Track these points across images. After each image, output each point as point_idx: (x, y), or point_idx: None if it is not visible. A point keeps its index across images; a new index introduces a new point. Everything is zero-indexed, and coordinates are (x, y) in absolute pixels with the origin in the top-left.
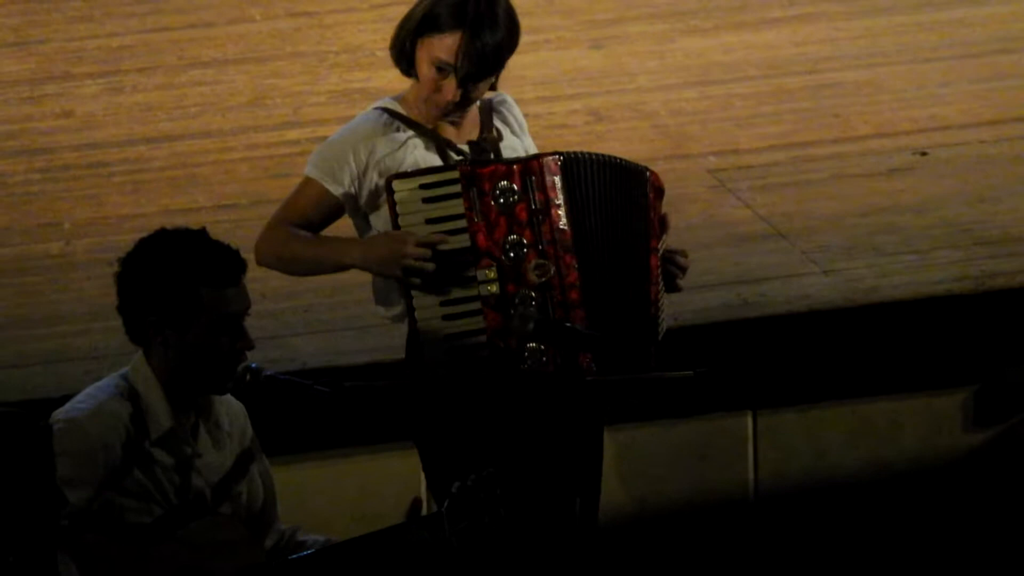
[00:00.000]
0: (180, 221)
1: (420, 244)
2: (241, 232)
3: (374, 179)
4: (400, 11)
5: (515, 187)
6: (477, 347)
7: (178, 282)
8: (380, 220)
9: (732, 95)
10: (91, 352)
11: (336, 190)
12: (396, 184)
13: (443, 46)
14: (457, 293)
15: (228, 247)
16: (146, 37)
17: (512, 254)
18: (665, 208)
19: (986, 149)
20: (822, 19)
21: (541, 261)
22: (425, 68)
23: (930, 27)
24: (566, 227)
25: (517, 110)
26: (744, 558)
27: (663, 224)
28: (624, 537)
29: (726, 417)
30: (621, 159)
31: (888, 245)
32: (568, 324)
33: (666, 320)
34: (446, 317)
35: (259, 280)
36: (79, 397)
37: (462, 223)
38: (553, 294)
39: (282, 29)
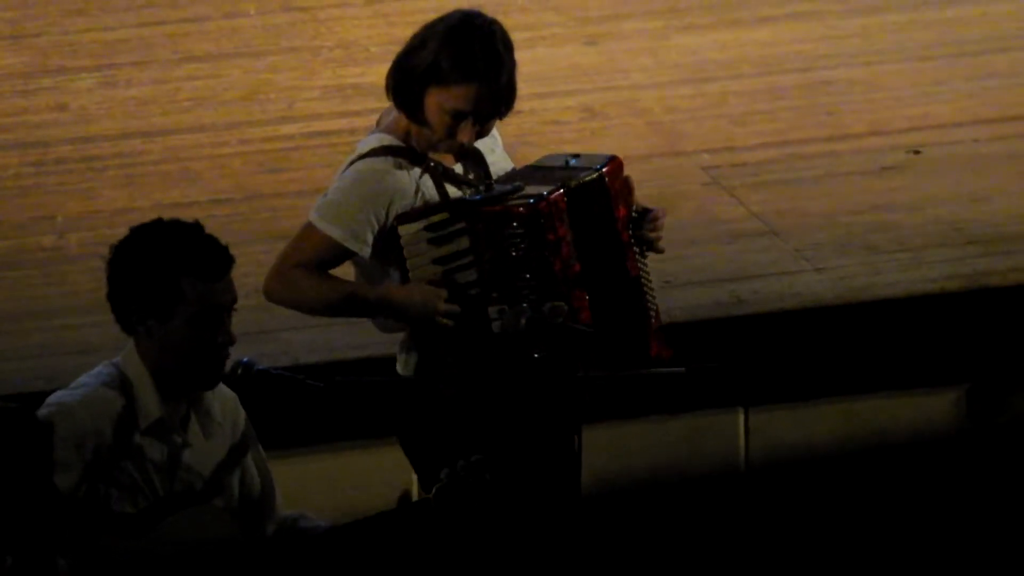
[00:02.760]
0: (173, 215)
1: (445, 289)
2: (234, 227)
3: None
4: (395, 6)
5: (522, 231)
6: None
7: (158, 271)
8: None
9: (726, 92)
10: (83, 346)
11: (361, 249)
12: (401, 229)
13: (457, 97)
14: (471, 330)
15: (217, 242)
16: (140, 31)
17: (524, 297)
18: (658, 205)
19: (980, 148)
20: (817, 17)
21: (556, 304)
22: (437, 115)
23: (925, 25)
24: (575, 263)
25: None
26: (733, 548)
27: (629, 196)
28: (610, 529)
29: (718, 414)
30: (575, 176)
31: (881, 243)
32: (560, 320)
33: (655, 303)
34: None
35: (252, 274)
36: (72, 384)
37: (469, 259)
38: (523, 308)
39: (277, 24)
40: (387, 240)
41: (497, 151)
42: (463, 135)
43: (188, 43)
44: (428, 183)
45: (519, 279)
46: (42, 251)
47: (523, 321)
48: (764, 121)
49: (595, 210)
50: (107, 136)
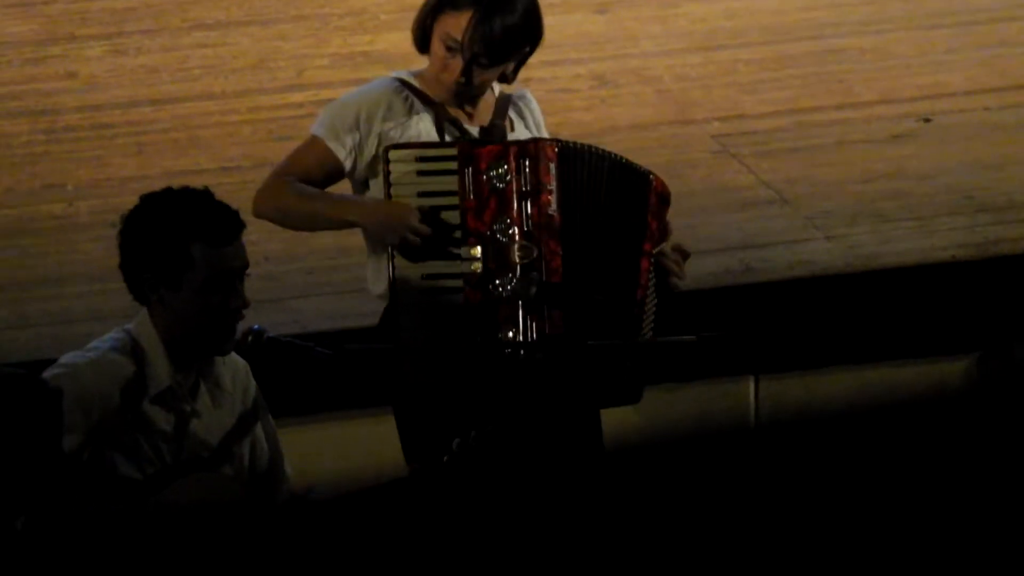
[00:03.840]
0: (183, 183)
1: (422, 221)
2: (244, 195)
3: (375, 146)
4: None
5: (509, 168)
6: (453, 309)
7: (169, 238)
8: (377, 187)
9: (736, 60)
10: (93, 313)
11: (339, 151)
12: (392, 154)
13: (455, 23)
14: (441, 268)
15: (227, 207)
16: None
17: (499, 235)
18: (668, 173)
19: (990, 116)
20: None
21: (525, 243)
22: (436, 45)
23: None
24: (555, 213)
25: (536, 106)
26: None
27: (664, 231)
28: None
29: (728, 382)
30: (625, 159)
31: (891, 211)
32: (571, 289)
33: (651, 326)
34: (425, 291)
35: (261, 242)
36: (84, 347)
37: (454, 200)
38: (533, 276)
39: None
40: (372, 164)
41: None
42: (452, 71)
43: (197, 11)
44: (425, 120)
45: (496, 217)
46: (52, 219)
47: (533, 290)
48: (774, 89)
49: (624, 192)
50: (117, 104)
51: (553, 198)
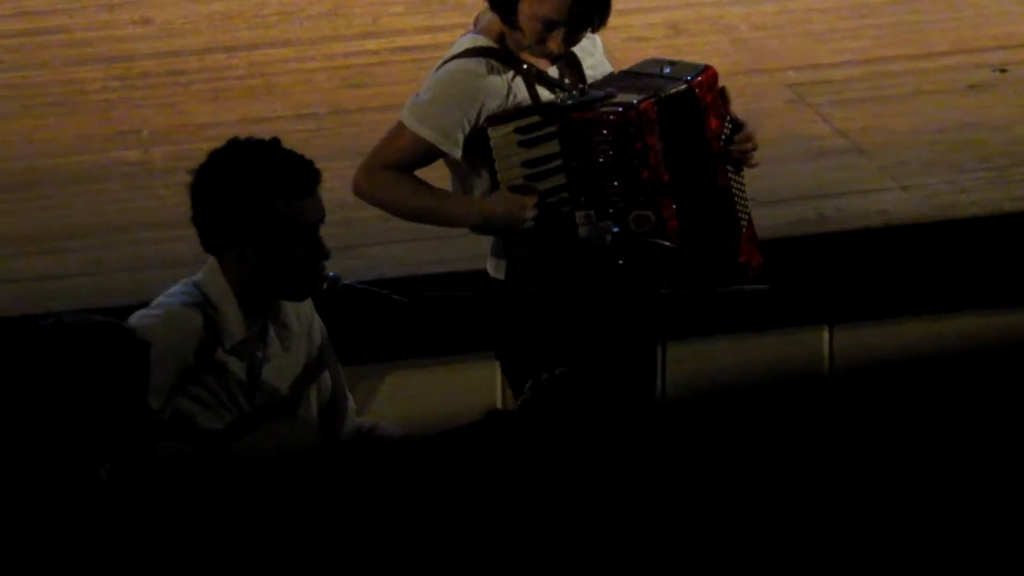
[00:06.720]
0: (258, 130)
1: (530, 189)
2: (318, 141)
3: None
4: None
5: (611, 138)
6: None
7: (253, 195)
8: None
9: (811, 9)
10: (169, 260)
11: (452, 149)
12: (491, 132)
13: (552, 7)
14: (557, 234)
15: (302, 157)
16: None
17: (612, 204)
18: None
19: None
20: None
21: (642, 213)
22: (529, 22)
23: None
24: (664, 172)
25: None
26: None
27: (723, 102)
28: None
29: (802, 332)
30: (667, 88)
31: (966, 162)
32: (645, 229)
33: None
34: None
35: (337, 189)
36: (151, 304)
37: (558, 163)
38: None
39: None
40: (477, 141)
41: (596, 55)
42: (553, 44)
43: None
44: (520, 86)
45: (607, 186)
46: (127, 165)
47: (608, 237)
48: (849, 39)
49: (683, 121)
50: (192, 51)
51: (660, 158)
